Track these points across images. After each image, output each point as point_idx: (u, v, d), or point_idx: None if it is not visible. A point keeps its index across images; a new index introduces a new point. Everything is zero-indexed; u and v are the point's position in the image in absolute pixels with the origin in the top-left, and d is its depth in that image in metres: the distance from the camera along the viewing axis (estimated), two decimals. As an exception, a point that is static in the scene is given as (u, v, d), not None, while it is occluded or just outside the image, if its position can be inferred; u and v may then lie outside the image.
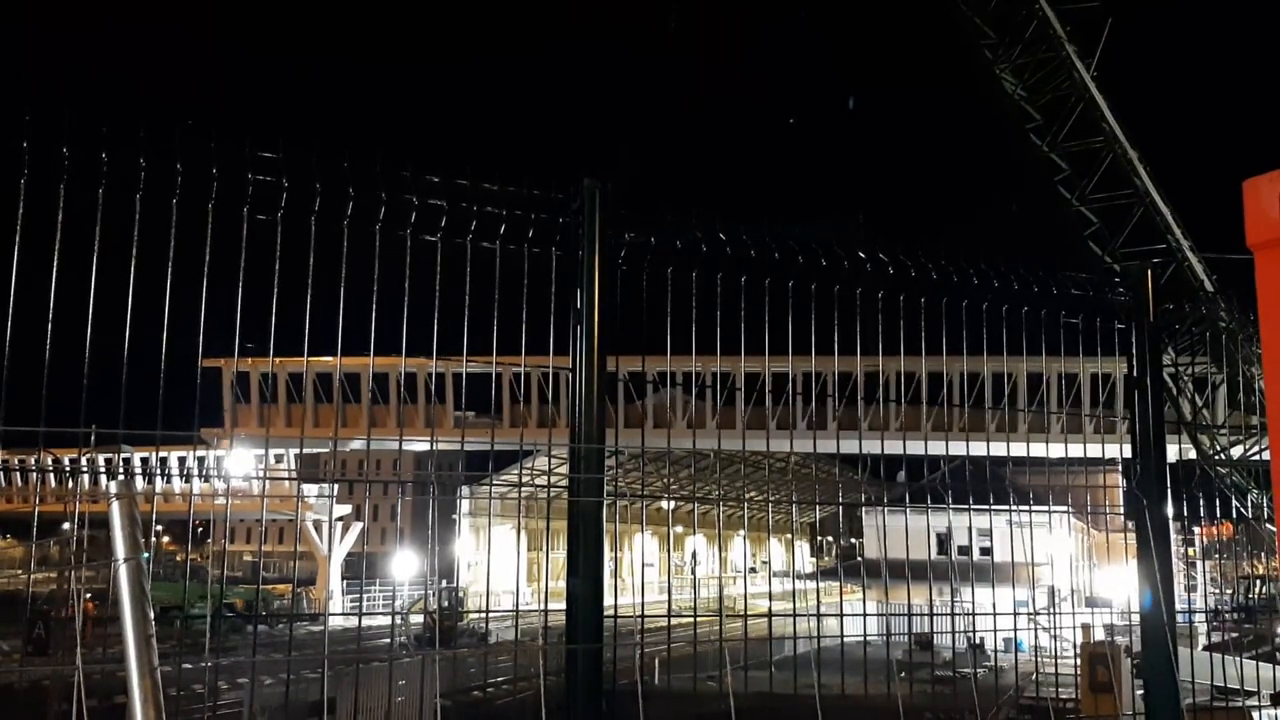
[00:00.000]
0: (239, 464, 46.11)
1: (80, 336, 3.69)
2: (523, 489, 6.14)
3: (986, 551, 41.66)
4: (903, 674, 29.80)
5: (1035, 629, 34.13)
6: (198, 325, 3.88)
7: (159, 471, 47.86)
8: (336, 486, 54.52)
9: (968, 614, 6.74)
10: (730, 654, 5.50)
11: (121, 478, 2.79)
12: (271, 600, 55.40)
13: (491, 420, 36.02)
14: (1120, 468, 6.54)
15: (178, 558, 58.21)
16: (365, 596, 54.26)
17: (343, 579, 64.65)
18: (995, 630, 6.73)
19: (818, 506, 78.84)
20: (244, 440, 46.69)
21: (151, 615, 2.63)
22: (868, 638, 9.63)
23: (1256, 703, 17.25)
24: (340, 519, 64.92)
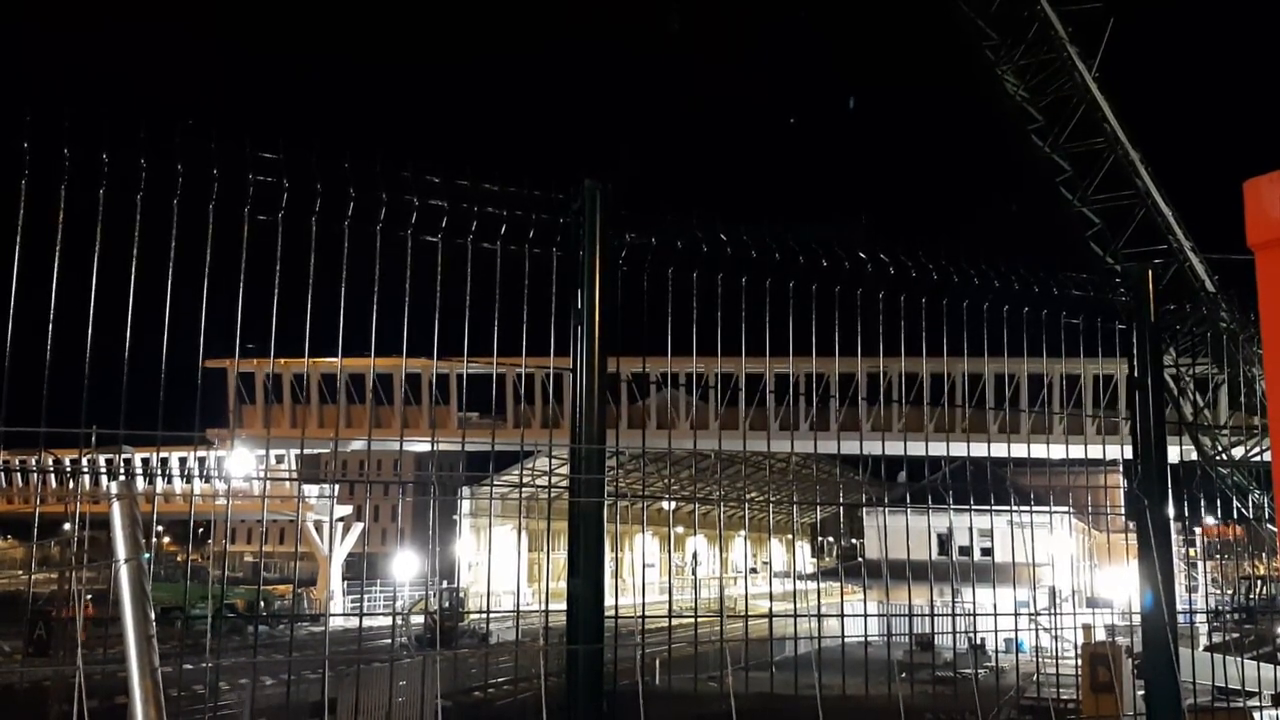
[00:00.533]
0: (240, 464, 46.21)
1: (81, 337, 3.69)
2: (523, 489, 6.14)
3: (987, 552, 41.53)
4: (903, 674, 29.79)
5: (1036, 629, 34.16)
6: (199, 325, 3.89)
7: (160, 472, 47.85)
8: (337, 487, 54.48)
9: (968, 614, 6.74)
10: (731, 654, 5.51)
11: (122, 478, 2.79)
12: (272, 601, 55.31)
13: (493, 420, 36.02)
14: (1121, 468, 6.55)
15: (178, 558, 58.14)
16: (366, 597, 54.25)
17: (343, 579, 64.55)
18: (996, 630, 6.73)
19: (818, 507, 78.91)
20: (247, 440, 46.74)
21: (152, 615, 2.63)
22: (869, 638, 9.64)
23: (1258, 703, 17.25)
24: (341, 519, 64.84)
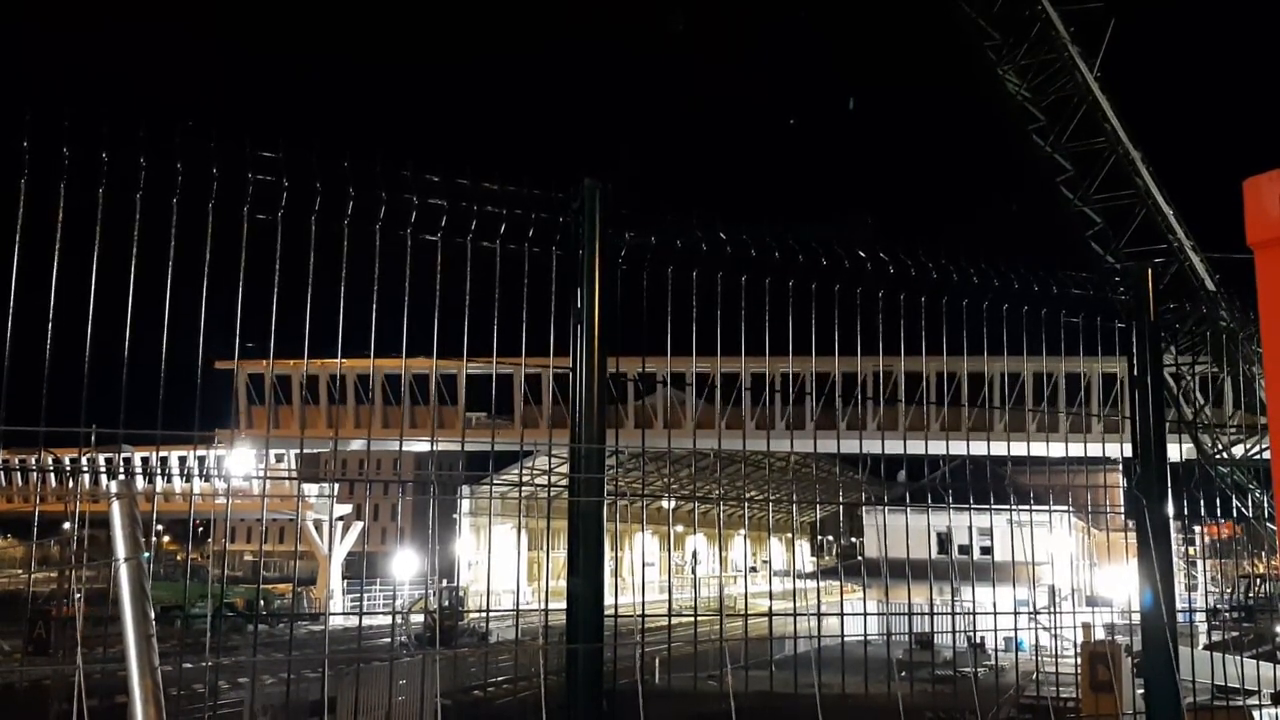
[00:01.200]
0: (240, 464, 46.19)
1: (81, 336, 3.69)
2: (523, 488, 6.13)
3: (987, 550, 41.39)
4: (903, 673, 29.79)
5: (1035, 628, 34.15)
6: (199, 324, 3.89)
7: (159, 471, 47.80)
8: (337, 486, 54.32)
9: (968, 613, 6.75)
10: (731, 653, 5.51)
11: (122, 477, 2.80)
12: (272, 600, 55.24)
13: (492, 420, 35.91)
14: (1121, 467, 6.55)
15: (178, 557, 58.04)
16: (366, 596, 54.17)
17: (343, 578, 64.46)
18: (995, 630, 6.73)
19: (818, 506, 78.81)
20: (250, 440, 46.74)
21: (152, 615, 2.63)
22: (868, 637, 9.64)
23: (1257, 702, 17.26)
24: (341, 518, 64.78)
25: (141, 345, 3.83)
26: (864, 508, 53.02)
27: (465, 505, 60.15)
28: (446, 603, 41.31)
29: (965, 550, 41.99)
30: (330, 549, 61.80)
